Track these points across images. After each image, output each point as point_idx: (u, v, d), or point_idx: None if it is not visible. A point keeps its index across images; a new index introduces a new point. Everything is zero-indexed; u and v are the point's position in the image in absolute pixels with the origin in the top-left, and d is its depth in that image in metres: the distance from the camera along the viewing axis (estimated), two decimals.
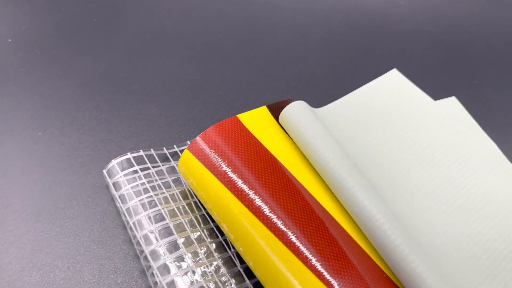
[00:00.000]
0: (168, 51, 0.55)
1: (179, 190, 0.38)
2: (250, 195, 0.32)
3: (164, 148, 0.41)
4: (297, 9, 0.64)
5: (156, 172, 0.39)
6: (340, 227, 0.32)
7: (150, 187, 0.37)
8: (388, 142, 0.42)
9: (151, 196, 0.36)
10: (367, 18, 0.63)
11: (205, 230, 0.35)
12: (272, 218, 0.31)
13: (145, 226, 0.34)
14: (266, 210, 0.31)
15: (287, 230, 0.30)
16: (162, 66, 0.53)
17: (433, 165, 0.40)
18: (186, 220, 0.36)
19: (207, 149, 0.35)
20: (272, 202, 0.32)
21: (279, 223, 0.31)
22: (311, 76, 0.53)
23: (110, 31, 0.58)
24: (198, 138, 0.36)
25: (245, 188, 0.33)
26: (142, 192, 0.37)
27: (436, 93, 0.48)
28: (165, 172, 0.39)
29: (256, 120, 0.39)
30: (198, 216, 0.36)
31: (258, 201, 0.32)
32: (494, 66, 0.56)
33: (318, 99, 0.48)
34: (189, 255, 0.33)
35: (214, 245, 0.35)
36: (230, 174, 0.33)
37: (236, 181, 0.33)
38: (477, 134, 0.45)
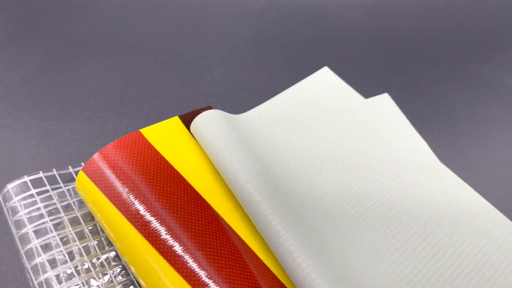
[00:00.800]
0: (83, 61, 0.52)
1: (83, 212, 0.36)
2: (144, 219, 0.30)
3: (70, 167, 0.38)
4: (225, 8, 0.62)
5: (58, 194, 0.36)
6: (242, 242, 0.31)
7: (51, 210, 0.35)
8: (312, 146, 0.41)
9: (44, 222, 0.34)
10: (300, 16, 0.62)
11: (106, 255, 0.33)
12: (166, 243, 0.29)
13: (36, 255, 0.32)
14: (160, 234, 0.29)
15: (180, 255, 0.28)
16: (76, 76, 0.50)
17: (357, 169, 0.39)
18: (83, 246, 0.33)
19: (102, 169, 0.33)
20: (167, 223, 0.30)
21: (172, 247, 0.29)
22: (238, 80, 0.51)
23: (23, 42, 0.55)
24: (94, 157, 0.33)
25: (139, 211, 0.30)
26: (37, 218, 0.34)
27: (371, 90, 0.47)
28: (67, 194, 0.36)
29: (164, 133, 0.37)
30: (103, 239, 0.34)
31: (151, 225, 0.30)
32: (429, 61, 0.55)
33: (246, 103, 0.46)
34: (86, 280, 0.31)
35: (118, 270, 0.33)
36: (124, 196, 0.31)
37: (129, 204, 0.31)
38: (407, 133, 0.44)
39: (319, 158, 0.40)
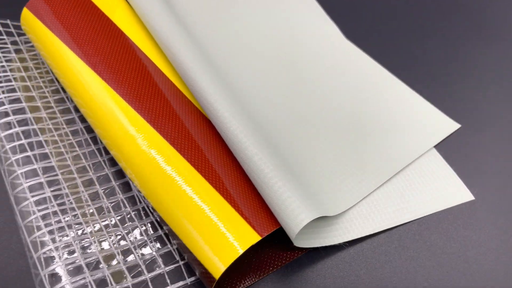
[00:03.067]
0: None
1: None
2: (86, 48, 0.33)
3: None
4: None
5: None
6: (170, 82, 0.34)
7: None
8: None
9: None
10: None
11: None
12: (105, 72, 0.32)
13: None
14: (100, 66, 0.32)
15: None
16: None
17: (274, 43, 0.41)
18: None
19: (46, 5, 0.35)
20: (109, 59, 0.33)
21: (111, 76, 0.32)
22: None
23: None
24: None
25: (85, 45, 0.33)
26: None
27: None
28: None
29: None
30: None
31: (94, 57, 0.33)
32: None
33: None
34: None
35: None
36: (70, 31, 0.34)
37: (75, 38, 0.33)
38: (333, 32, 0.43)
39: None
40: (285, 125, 0.35)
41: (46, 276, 0.26)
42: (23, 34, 0.39)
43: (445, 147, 0.35)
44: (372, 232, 0.30)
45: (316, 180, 0.31)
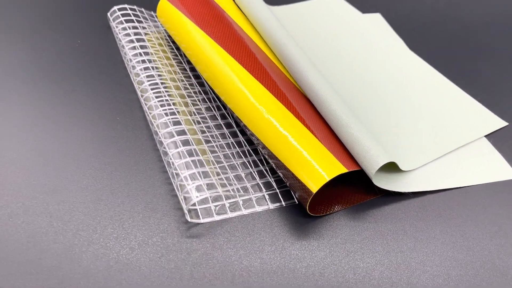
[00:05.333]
0: None
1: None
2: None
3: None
4: None
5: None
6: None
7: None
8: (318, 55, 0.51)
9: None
10: None
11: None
12: (249, 61, 0.40)
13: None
14: (243, 53, 0.41)
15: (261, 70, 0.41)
16: None
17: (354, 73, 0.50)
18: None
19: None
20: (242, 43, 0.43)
21: (255, 65, 0.40)
22: None
23: None
24: None
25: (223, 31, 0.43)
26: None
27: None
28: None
29: None
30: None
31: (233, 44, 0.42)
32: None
33: None
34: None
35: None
36: (207, 17, 0.44)
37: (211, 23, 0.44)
38: (399, 45, 0.54)
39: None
40: (367, 104, 0.45)
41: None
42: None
43: (496, 139, 0.43)
44: (433, 189, 0.38)
45: (390, 142, 0.41)
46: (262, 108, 0.36)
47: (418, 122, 0.43)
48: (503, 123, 0.44)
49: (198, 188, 0.34)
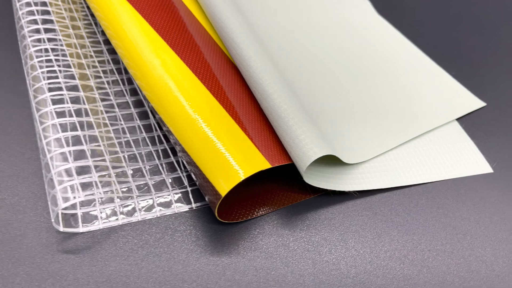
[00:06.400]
0: None
1: None
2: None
3: None
4: None
5: None
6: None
7: None
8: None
9: None
10: None
11: None
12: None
13: None
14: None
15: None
16: None
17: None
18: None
19: None
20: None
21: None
22: None
23: None
24: None
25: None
26: None
27: None
28: None
29: None
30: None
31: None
32: None
33: None
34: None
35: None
36: None
37: None
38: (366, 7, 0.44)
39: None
40: (305, 69, 0.36)
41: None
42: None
43: (468, 123, 0.35)
44: (385, 187, 0.30)
45: (334, 127, 0.32)
46: (171, 83, 0.28)
47: (378, 100, 0.35)
48: (480, 104, 0.36)
49: (75, 187, 0.26)
